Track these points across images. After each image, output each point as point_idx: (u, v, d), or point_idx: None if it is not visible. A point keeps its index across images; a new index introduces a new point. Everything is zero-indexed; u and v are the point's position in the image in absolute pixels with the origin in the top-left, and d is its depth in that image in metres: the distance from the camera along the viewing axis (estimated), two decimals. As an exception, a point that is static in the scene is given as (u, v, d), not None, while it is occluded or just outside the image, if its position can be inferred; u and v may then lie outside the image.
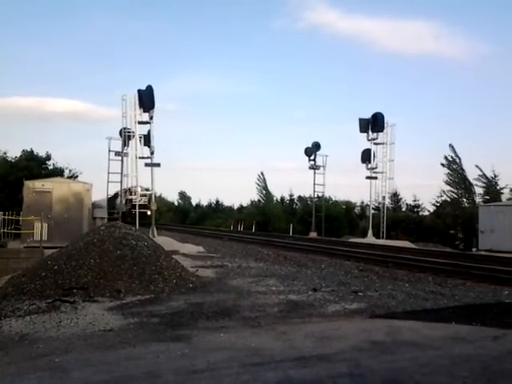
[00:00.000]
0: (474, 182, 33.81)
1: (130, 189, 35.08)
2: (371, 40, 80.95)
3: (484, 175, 33.91)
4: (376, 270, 12.11)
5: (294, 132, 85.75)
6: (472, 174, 34.21)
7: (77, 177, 30.71)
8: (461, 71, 79.07)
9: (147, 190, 43.33)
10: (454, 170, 34.18)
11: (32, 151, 29.91)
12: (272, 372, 4.35)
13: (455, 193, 34.37)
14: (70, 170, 31.10)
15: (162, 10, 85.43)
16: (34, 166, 27.87)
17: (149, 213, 36.08)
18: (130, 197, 31.89)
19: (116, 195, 40.56)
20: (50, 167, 29.83)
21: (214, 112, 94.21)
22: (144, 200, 40.30)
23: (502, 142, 61.79)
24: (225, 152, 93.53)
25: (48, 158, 30.31)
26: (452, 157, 34.20)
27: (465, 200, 34.06)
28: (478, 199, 33.32)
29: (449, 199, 34.82)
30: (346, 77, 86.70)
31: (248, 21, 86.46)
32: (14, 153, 30.06)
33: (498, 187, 34.06)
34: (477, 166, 34.08)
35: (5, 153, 29.68)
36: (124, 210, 34.05)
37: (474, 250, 22.62)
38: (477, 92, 77.70)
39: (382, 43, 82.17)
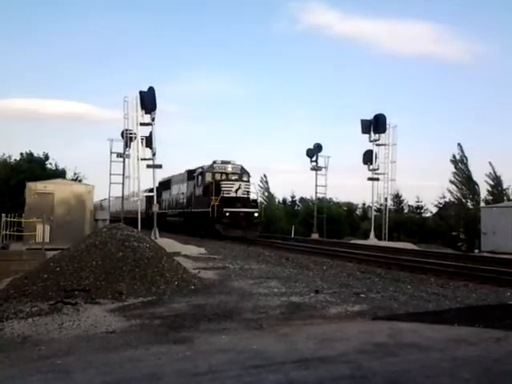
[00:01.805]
0: (484, 178, 33.85)
1: (212, 166, 22.91)
2: (370, 42, 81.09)
3: (494, 173, 33.93)
4: (378, 271, 12.09)
5: (296, 133, 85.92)
6: (476, 175, 34.25)
7: (81, 180, 30.57)
8: (460, 72, 79.07)
9: (244, 169, 24.92)
10: (460, 169, 34.19)
11: (31, 153, 29.86)
12: (274, 374, 4.34)
13: (459, 193, 34.36)
14: (75, 173, 30.94)
15: (163, 12, 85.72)
16: (36, 168, 27.84)
17: (256, 214, 21.90)
18: (221, 182, 20.67)
19: (167, 184, 29.22)
20: (52, 167, 29.71)
21: (214, 113, 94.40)
22: (244, 189, 22.59)
23: (503, 144, 61.69)
24: (226, 153, 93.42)
25: (46, 158, 30.21)
26: (461, 156, 34.23)
27: (469, 201, 34.04)
28: (482, 200, 33.32)
29: (453, 199, 34.82)
30: (346, 78, 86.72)
31: (248, 23, 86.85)
32: (14, 155, 30.03)
33: (500, 188, 34.06)
34: (490, 164, 34.10)
35: (9, 156, 29.70)
36: (206, 209, 21.02)
37: (476, 251, 22.59)
38: (477, 93, 77.66)
39: (381, 45, 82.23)
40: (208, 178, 22.13)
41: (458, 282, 10.29)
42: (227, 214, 18.95)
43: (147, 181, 22.68)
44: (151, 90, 20.65)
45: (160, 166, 21.58)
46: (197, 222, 22.66)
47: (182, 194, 26.22)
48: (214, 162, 22.63)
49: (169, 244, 16.39)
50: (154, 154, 20.96)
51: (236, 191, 20.79)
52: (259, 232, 23.75)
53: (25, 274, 9.11)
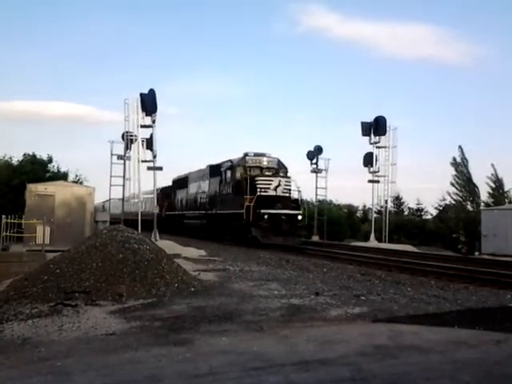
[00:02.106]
0: (485, 181, 33.85)
1: (244, 159, 19.53)
2: (370, 44, 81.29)
3: (496, 176, 33.94)
4: (378, 273, 12.08)
5: (296, 135, 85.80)
6: (476, 177, 34.25)
7: (82, 182, 30.54)
8: (460, 75, 79.17)
9: (281, 163, 21.22)
10: (461, 172, 34.21)
11: (34, 155, 29.85)
12: (274, 376, 4.34)
13: (460, 196, 34.38)
14: (77, 175, 30.92)
15: (163, 13, 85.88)
16: (39, 169, 27.83)
17: (300, 217, 18.68)
18: (256, 178, 17.86)
19: (183, 182, 26.32)
20: (54, 170, 29.71)
21: (215, 115, 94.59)
22: (285, 186, 19.19)
23: (503, 147, 61.73)
24: (226, 155, 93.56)
25: (50, 160, 30.23)
26: (462, 158, 34.27)
27: (469, 203, 34.07)
28: (482, 203, 33.32)
29: (453, 201, 34.83)
30: (346, 81, 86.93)
31: (248, 24, 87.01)
32: (15, 157, 30.00)
33: (501, 190, 34.07)
34: (492, 166, 34.10)
35: (10, 158, 29.69)
36: (238, 211, 18.08)
37: (476, 253, 22.59)
38: (477, 95, 77.75)
39: (381, 47, 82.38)
40: (239, 173, 18.97)
41: (458, 285, 10.28)
42: (265, 216, 16.11)
43: (149, 182, 22.67)
44: (152, 92, 20.68)
45: (160, 168, 21.59)
46: (225, 225, 19.66)
47: (203, 192, 23.18)
48: (246, 155, 19.41)
49: (169, 246, 16.38)
50: (154, 156, 20.98)
51: (275, 189, 17.63)
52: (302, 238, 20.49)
53: (25, 275, 9.10)
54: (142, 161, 21.03)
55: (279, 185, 17.76)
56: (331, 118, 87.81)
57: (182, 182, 26.88)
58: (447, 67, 79.26)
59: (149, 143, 21.03)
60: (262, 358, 4.86)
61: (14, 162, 29.36)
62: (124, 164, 21.65)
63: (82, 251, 9.06)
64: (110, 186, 22.03)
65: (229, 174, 19.64)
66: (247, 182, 18.02)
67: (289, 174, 20.64)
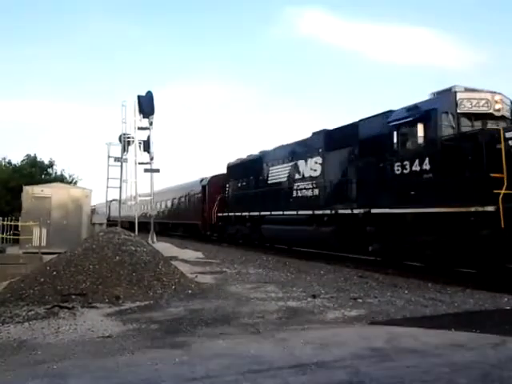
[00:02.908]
0: None
1: (453, 97, 10.06)
2: (368, 48, 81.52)
3: None
4: (375, 276, 12.08)
5: (294, 137, 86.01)
6: None
7: (76, 183, 30.57)
8: (458, 79, 79.44)
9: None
10: None
11: (35, 157, 29.84)
12: (271, 379, 4.33)
13: None
14: (70, 176, 30.97)
15: (163, 16, 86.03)
16: (38, 172, 27.83)
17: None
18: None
19: (250, 166, 19.31)
20: (52, 174, 29.72)
21: (213, 117, 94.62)
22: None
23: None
24: (224, 157, 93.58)
25: (51, 164, 30.24)
26: None
27: None
28: None
29: None
30: (344, 83, 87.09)
31: (246, 29, 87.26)
32: (14, 158, 30.09)
33: None
34: None
35: (6, 159, 29.69)
36: (459, 208, 9.21)
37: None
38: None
39: (379, 51, 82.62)
40: (450, 127, 10.06)
41: (455, 287, 10.28)
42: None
43: (144, 185, 22.61)
44: (149, 94, 20.69)
45: (158, 171, 21.56)
46: (401, 237, 11.32)
47: (310, 178, 15.02)
48: (454, 92, 10.22)
49: (166, 248, 16.39)
50: (151, 158, 20.97)
51: None
52: None
53: (21, 277, 9.09)
54: (139, 163, 21.02)
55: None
56: (329, 120, 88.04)
57: (248, 168, 19.28)
58: (445, 70, 79.56)
59: (146, 145, 21.01)
60: (259, 361, 4.85)
61: (16, 162, 29.44)
62: (121, 166, 21.61)
63: (78, 253, 9.05)
64: (107, 188, 21.99)
65: (414, 132, 10.41)
66: (485, 147, 9.03)
67: None
